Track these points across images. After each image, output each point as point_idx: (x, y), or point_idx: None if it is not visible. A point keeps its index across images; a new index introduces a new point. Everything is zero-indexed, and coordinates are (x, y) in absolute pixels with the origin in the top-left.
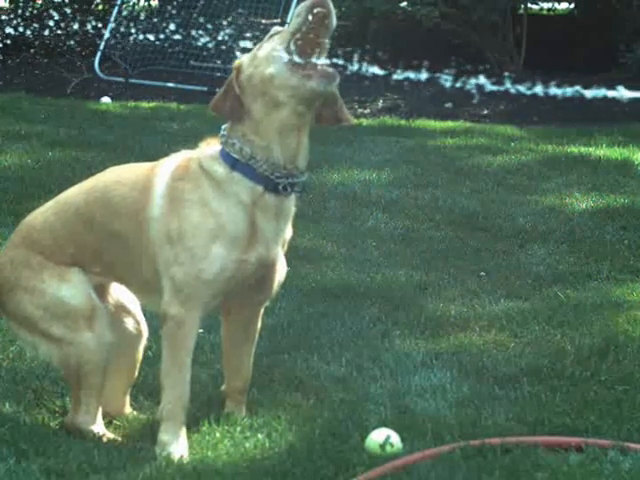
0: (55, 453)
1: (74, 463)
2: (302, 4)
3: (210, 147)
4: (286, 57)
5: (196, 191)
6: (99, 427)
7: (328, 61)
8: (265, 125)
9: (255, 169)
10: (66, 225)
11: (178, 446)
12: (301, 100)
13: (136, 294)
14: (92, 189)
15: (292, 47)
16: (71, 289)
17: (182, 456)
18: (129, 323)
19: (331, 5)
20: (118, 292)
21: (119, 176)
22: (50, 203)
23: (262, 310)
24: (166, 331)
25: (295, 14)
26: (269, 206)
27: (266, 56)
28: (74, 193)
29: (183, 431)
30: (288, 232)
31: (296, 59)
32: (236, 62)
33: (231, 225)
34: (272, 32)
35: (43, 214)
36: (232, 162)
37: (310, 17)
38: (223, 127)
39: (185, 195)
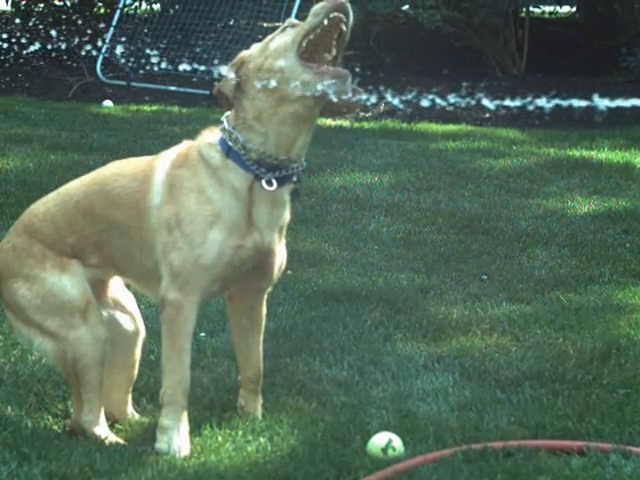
0: (57, 457)
1: (76, 467)
2: (321, 4)
3: (210, 134)
4: (298, 53)
5: (194, 178)
6: (103, 429)
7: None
8: (268, 114)
9: (245, 158)
10: (67, 216)
11: (179, 431)
12: (310, 94)
13: (135, 284)
14: (92, 182)
15: (304, 45)
16: (71, 280)
17: (182, 442)
18: (127, 320)
19: (350, 12)
20: (115, 290)
21: (119, 169)
22: (52, 194)
23: (265, 296)
24: (165, 316)
25: (312, 12)
26: (262, 194)
27: (278, 48)
28: (75, 186)
29: (184, 416)
30: (286, 217)
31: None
32: (243, 53)
33: (227, 212)
34: (286, 24)
35: (45, 204)
36: (227, 149)
37: (326, 21)
38: (225, 114)
39: (183, 182)
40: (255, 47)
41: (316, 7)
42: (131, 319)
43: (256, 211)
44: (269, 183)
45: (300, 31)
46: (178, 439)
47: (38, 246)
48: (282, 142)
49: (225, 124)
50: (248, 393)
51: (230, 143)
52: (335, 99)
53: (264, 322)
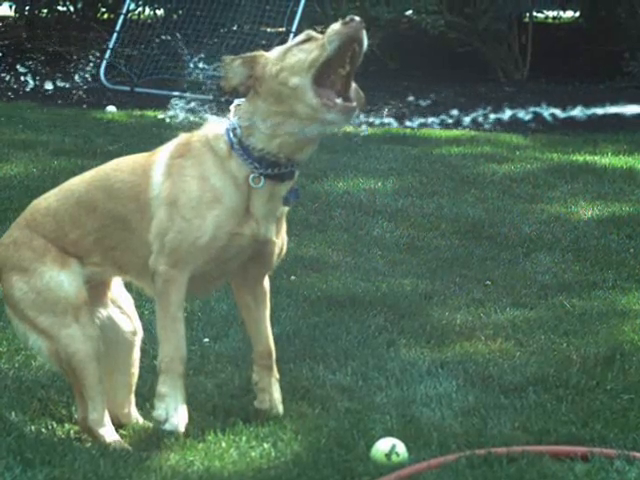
0: (61, 462)
1: (80, 472)
2: (336, 30)
3: (216, 125)
4: (313, 78)
5: (198, 167)
6: (109, 429)
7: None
8: (277, 122)
9: (240, 153)
10: (69, 211)
11: (176, 398)
12: (316, 119)
13: (136, 280)
14: (93, 178)
15: (318, 71)
16: (69, 277)
17: (180, 409)
18: (125, 320)
19: (364, 38)
20: (114, 291)
21: (118, 164)
22: (54, 190)
23: (266, 276)
24: (156, 287)
25: (328, 39)
26: (261, 187)
27: (295, 65)
28: (76, 182)
29: (181, 383)
30: (284, 209)
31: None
32: (260, 52)
33: (227, 198)
34: (304, 37)
35: (47, 199)
36: (231, 141)
37: (341, 48)
38: (234, 103)
39: (185, 170)
40: (274, 52)
41: (331, 34)
42: (129, 319)
43: (253, 202)
44: (256, 180)
45: (318, 57)
46: (175, 406)
47: (39, 240)
48: (287, 148)
49: (231, 115)
50: (261, 369)
51: (231, 134)
52: (337, 129)
53: (268, 297)
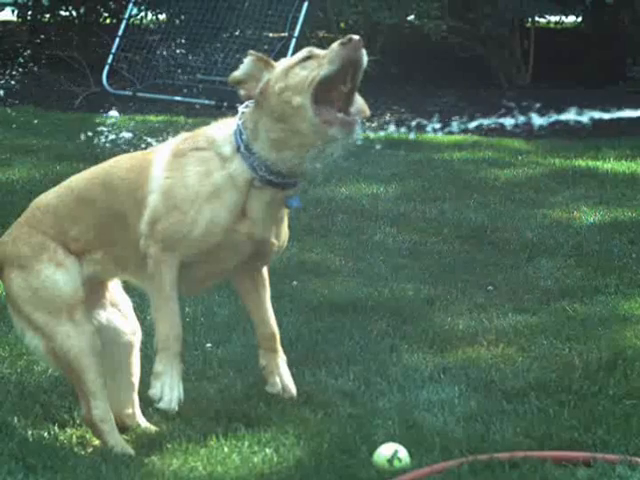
0: (63, 468)
1: (82, 477)
2: (336, 50)
3: (224, 126)
4: (313, 97)
5: (201, 164)
6: (114, 428)
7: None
8: (279, 138)
9: (248, 157)
10: (69, 208)
11: (172, 376)
12: (318, 137)
13: (135, 279)
14: (92, 176)
15: (318, 91)
16: (65, 276)
17: (175, 387)
18: (124, 320)
19: (364, 58)
20: (112, 292)
21: (117, 162)
22: (54, 188)
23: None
24: (148, 268)
25: (328, 59)
26: (260, 191)
27: (297, 85)
28: (76, 179)
29: (177, 362)
30: (283, 211)
31: (321, 108)
32: (272, 64)
33: (227, 195)
34: (307, 54)
35: (46, 197)
36: (237, 145)
37: (339, 69)
38: (244, 104)
39: (187, 167)
40: (279, 67)
41: (332, 54)
42: (127, 320)
43: (252, 204)
44: (260, 181)
45: (316, 77)
46: (171, 384)
47: (38, 237)
48: (287, 162)
49: (238, 117)
50: (267, 352)
51: (238, 137)
52: (340, 145)
53: (268, 282)
